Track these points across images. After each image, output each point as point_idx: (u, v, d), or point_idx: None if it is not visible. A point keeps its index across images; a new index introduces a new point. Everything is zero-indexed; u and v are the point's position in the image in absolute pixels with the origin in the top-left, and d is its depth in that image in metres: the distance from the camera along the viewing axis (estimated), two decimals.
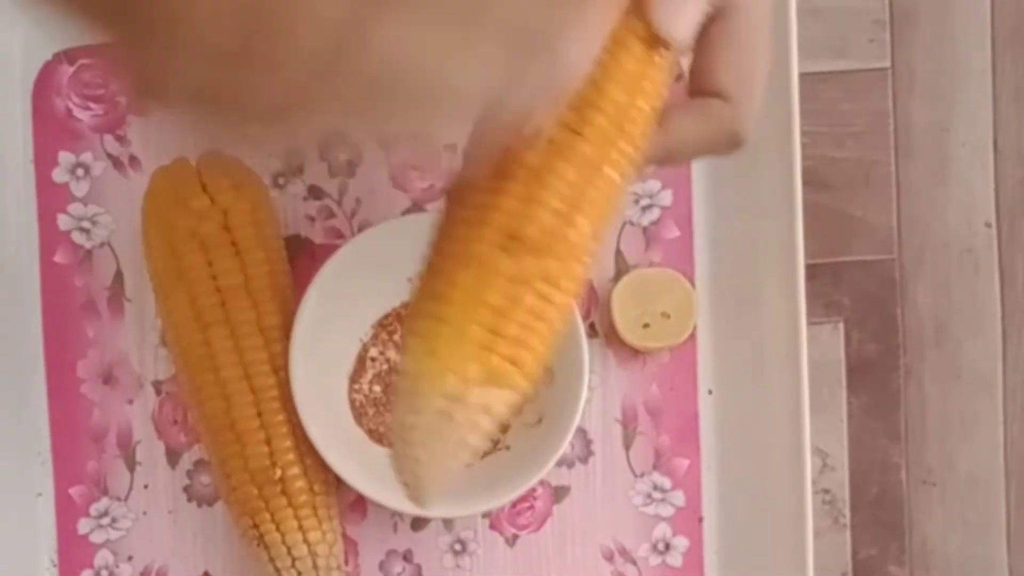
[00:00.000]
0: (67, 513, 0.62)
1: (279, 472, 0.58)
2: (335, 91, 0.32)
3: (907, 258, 0.69)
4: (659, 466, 0.63)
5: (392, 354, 0.61)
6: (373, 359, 0.61)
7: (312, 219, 0.63)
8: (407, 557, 0.63)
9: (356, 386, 0.61)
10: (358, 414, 0.61)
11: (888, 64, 0.69)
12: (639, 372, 0.63)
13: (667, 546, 0.63)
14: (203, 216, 0.58)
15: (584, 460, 0.63)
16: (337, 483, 0.60)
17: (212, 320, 0.58)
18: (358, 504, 0.62)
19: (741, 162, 0.62)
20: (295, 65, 0.31)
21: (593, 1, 0.41)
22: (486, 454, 0.61)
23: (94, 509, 0.62)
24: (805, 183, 0.61)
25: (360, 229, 0.62)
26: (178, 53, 0.31)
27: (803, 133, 0.61)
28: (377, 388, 0.61)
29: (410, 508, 0.58)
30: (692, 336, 0.63)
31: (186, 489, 0.62)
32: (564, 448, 0.58)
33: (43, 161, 0.62)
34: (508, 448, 0.61)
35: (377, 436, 0.61)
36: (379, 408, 0.61)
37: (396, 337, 0.61)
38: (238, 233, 0.58)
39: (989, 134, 0.70)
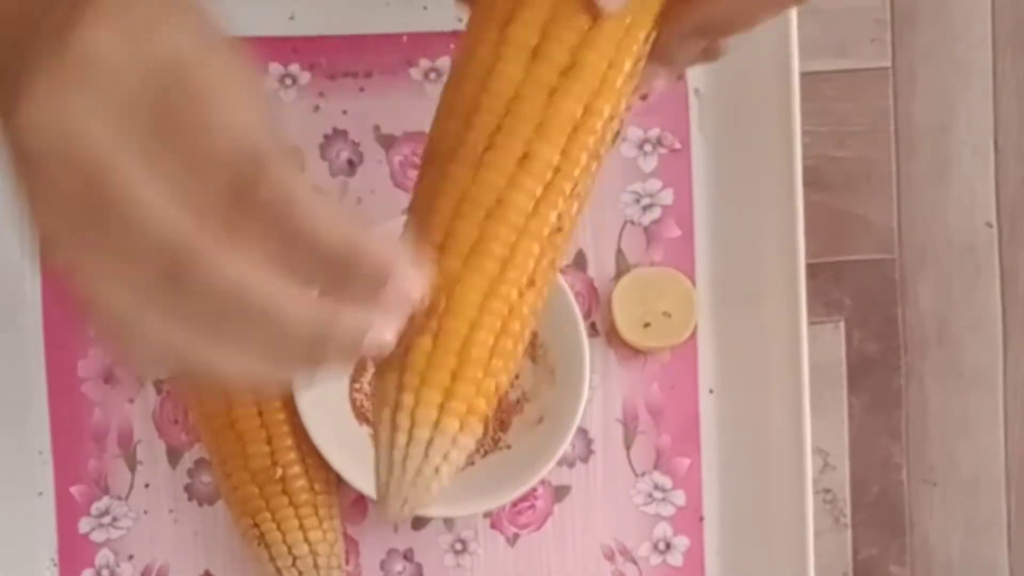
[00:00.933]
0: (68, 512, 0.62)
1: (280, 471, 0.58)
2: None
3: (908, 257, 0.69)
4: (660, 465, 0.63)
5: None
6: (374, 358, 0.61)
7: None
8: (408, 556, 0.63)
9: (356, 385, 0.61)
10: (359, 413, 0.61)
11: (889, 63, 0.69)
12: (640, 371, 0.63)
13: (668, 545, 0.63)
14: None
15: (585, 459, 0.63)
16: (338, 482, 0.60)
17: None
18: (359, 503, 0.62)
19: (742, 161, 0.63)
20: None
21: None
22: (487, 453, 0.61)
23: (95, 508, 0.62)
24: (806, 182, 0.61)
25: None
26: None
27: (804, 132, 0.61)
28: None
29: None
30: (693, 335, 0.63)
31: (187, 488, 0.62)
32: (565, 447, 0.58)
33: None
34: (509, 447, 0.61)
35: None
36: None
37: None
38: None
39: (990, 133, 0.70)
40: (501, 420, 0.61)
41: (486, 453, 0.61)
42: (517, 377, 0.61)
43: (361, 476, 0.58)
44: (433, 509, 0.59)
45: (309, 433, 0.58)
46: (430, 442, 0.41)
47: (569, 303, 0.59)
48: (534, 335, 0.60)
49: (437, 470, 0.41)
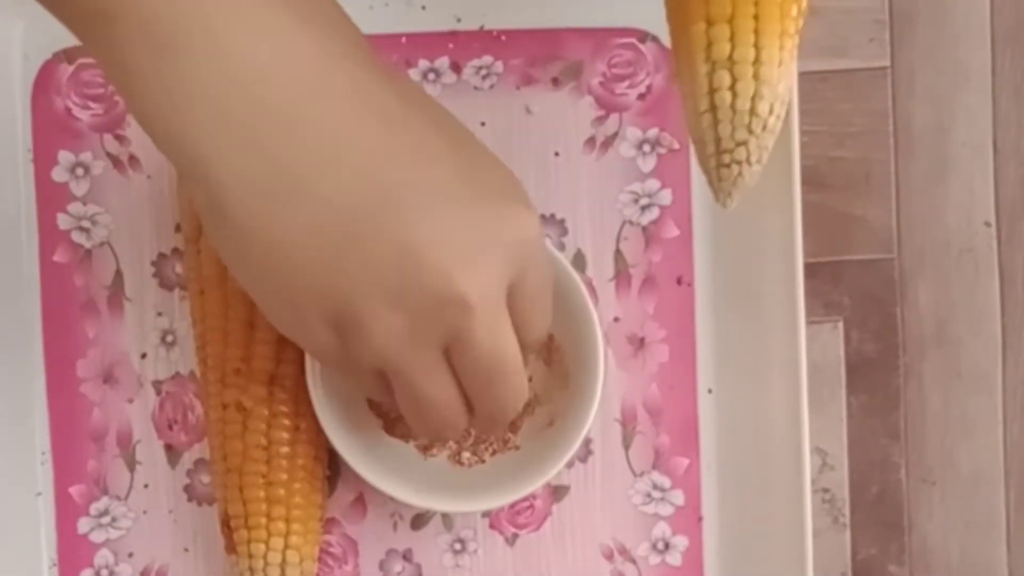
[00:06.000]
0: (67, 512, 0.62)
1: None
2: None
3: (907, 258, 0.69)
4: (658, 465, 0.63)
5: None
6: None
7: None
8: (407, 556, 0.63)
9: None
10: (373, 401, 0.61)
11: (888, 63, 0.69)
12: (638, 371, 0.63)
13: (667, 545, 0.63)
14: None
15: (583, 459, 0.63)
16: (337, 479, 0.60)
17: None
18: (359, 503, 0.62)
19: None
20: None
21: None
22: (495, 452, 0.61)
23: (94, 508, 0.62)
24: (805, 182, 0.61)
25: None
26: None
27: (803, 132, 0.61)
28: None
29: (414, 501, 0.58)
30: (692, 335, 0.63)
31: (186, 488, 0.63)
32: (573, 451, 0.58)
33: (42, 160, 0.62)
34: (517, 448, 0.61)
35: (389, 427, 0.61)
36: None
37: None
38: None
39: (989, 134, 0.70)
40: (513, 422, 0.61)
41: (495, 452, 0.61)
42: (531, 379, 0.61)
43: (368, 466, 0.58)
44: (436, 504, 0.59)
45: (320, 419, 0.57)
46: None
47: (587, 306, 0.58)
48: (551, 338, 0.60)
49: None
